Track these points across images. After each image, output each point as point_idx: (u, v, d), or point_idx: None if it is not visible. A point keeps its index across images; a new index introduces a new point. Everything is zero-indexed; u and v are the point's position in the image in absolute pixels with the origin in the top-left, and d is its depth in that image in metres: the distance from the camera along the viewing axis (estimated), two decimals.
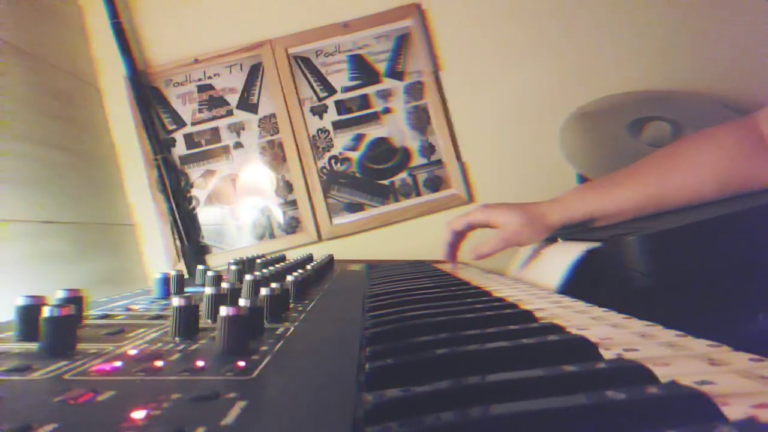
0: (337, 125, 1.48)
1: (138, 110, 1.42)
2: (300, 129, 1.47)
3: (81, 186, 1.25)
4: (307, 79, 1.49)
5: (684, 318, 0.43)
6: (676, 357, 0.32)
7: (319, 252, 1.17)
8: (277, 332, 0.44)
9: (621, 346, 0.35)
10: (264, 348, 0.38)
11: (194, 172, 1.46)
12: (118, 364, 0.34)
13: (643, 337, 0.37)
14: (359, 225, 1.46)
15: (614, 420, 0.24)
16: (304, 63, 1.48)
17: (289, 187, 1.47)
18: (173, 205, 1.40)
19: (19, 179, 1.02)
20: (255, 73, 1.48)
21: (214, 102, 1.48)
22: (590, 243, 0.74)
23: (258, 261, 0.93)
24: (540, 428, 0.24)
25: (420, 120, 1.48)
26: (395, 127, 1.48)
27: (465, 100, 1.49)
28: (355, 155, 1.48)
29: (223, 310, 0.36)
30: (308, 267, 0.79)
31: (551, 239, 0.89)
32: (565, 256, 0.77)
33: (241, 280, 0.67)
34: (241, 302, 0.41)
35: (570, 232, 0.89)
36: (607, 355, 0.34)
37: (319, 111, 1.48)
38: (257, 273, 0.64)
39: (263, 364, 0.34)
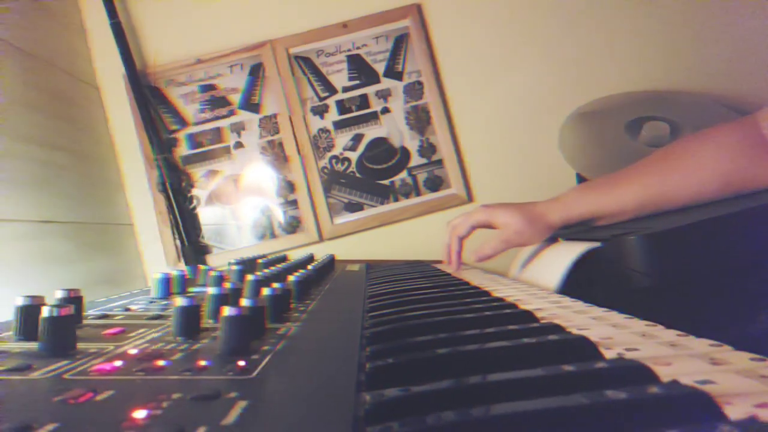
0: (338, 125, 1.48)
1: (138, 110, 1.42)
2: (301, 129, 1.47)
3: (80, 186, 1.25)
4: (308, 79, 1.49)
5: (684, 318, 0.43)
6: (677, 356, 0.32)
7: (320, 252, 1.17)
8: (279, 332, 0.44)
9: (622, 346, 0.35)
10: (265, 348, 0.38)
11: (196, 172, 1.46)
12: (118, 363, 0.34)
13: (643, 337, 0.37)
14: (359, 225, 1.46)
15: (615, 420, 0.24)
16: (306, 63, 1.48)
17: (290, 186, 1.47)
18: (174, 205, 1.40)
19: (18, 179, 1.02)
20: (256, 73, 1.48)
21: (215, 102, 1.48)
22: (590, 243, 0.74)
23: (259, 261, 0.93)
24: (541, 428, 0.24)
25: (419, 120, 1.48)
26: (394, 127, 1.48)
27: (464, 100, 1.49)
28: (354, 155, 1.48)
29: (225, 310, 0.36)
30: (309, 267, 0.79)
31: (552, 239, 0.89)
32: (564, 256, 0.77)
33: (242, 280, 0.67)
34: (243, 302, 0.41)
35: (570, 232, 0.89)
36: (608, 354, 0.34)
37: (320, 111, 1.48)
38: (259, 273, 0.64)
39: (264, 363, 0.34)
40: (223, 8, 1.49)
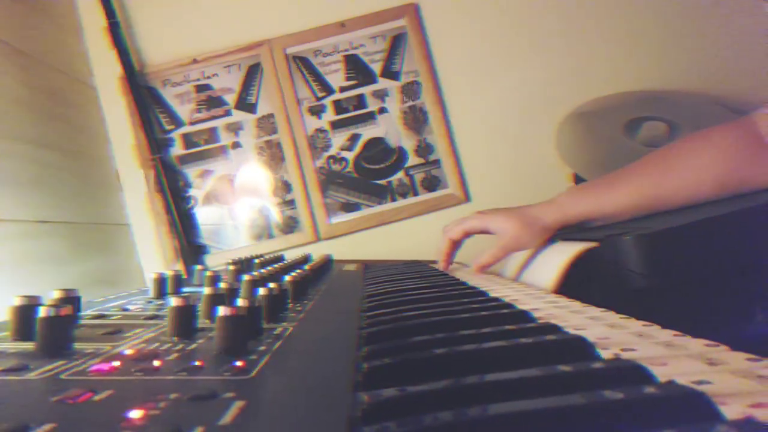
0: (335, 125, 1.48)
1: (134, 110, 1.42)
2: (298, 129, 1.47)
3: (76, 186, 1.25)
4: (305, 79, 1.48)
5: (680, 318, 0.43)
6: (673, 357, 0.32)
7: (317, 252, 1.17)
8: (275, 332, 0.44)
9: (618, 346, 0.35)
10: (262, 348, 0.38)
11: (192, 172, 1.46)
12: (115, 363, 0.34)
13: (640, 337, 0.37)
14: (356, 224, 1.46)
15: (612, 420, 0.24)
16: (302, 63, 1.48)
17: (286, 186, 1.47)
18: (170, 205, 1.40)
19: (13, 179, 1.01)
20: (253, 73, 1.48)
21: (212, 102, 1.48)
22: (586, 243, 0.75)
23: (256, 261, 0.93)
24: (537, 428, 0.24)
25: (416, 120, 1.48)
26: (391, 127, 1.48)
27: (461, 99, 1.49)
28: (350, 155, 1.48)
29: (221, 310, 0.36)
30: (306, 267, 0.79)
31: (549, 240, 0.89)
32: (560, 256, 0.77)
33: (239, 280, 0.67)
34: (239, 302, 0.41)
35: (566, 232, 0.89)
36: (605, 354, 0.34)
37: (317, 111, 1.48)
38: (255, 273, 0.64)
39: (261, 364, 0.34)
40: (219, 8, 1.49)
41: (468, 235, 0.95)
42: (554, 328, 0.41)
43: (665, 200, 0.82)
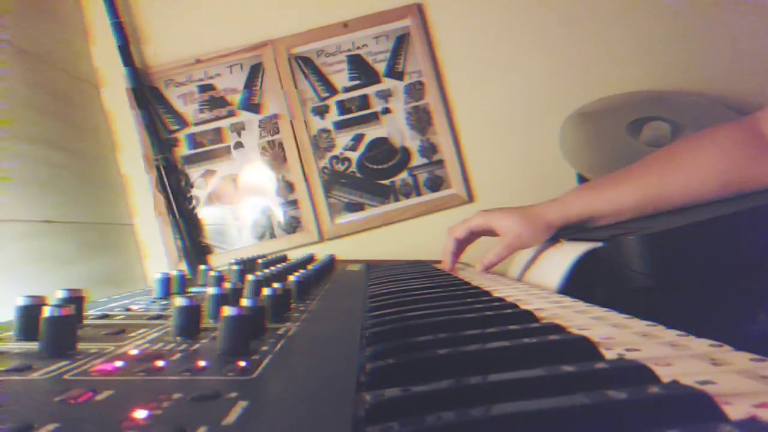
0: (339, 125, 1.48)
1: (138, 110, 1.42)
2: (301, 129, 1.47)
3: (81, 186, 1.25)
4: (309, 79, 1.49)
5: (684, 318, 0.43)
6: (677, 357, 0.32)
7: (320, 252, 1.17)
8: (279, 332, 0.44)
9: (622, 346, 0.35)
10: (265, 348, 0.38)
11: (196, 173, 1.46)
12: (118, 363, 0.34)
13: (644, 337, 0.37)
14: (360, 225, 1.46)
15: (616, 420, 0.24)
16: (306, 63, 1.48)
17: (290, 187, 1.47)
18: (174, 205, 1.40)
19: (18, 179, 1.02)
20: (256, 73, 1.48)
21: (215, 102, 1.48)
22: (590, 243, 0.74)
23: (259, 261, 0.93)
24: (541, 428, 0.24)
25: (420, 120, 1.48)
26: (394, 127, 1.48)
27: (465, 100, 1.49)
28: (354, 155, 1.48)
29: (225, 310, 0.36)
30: (309, 267, 0.79)
31: (553, 239, 0.89)
32: (565, 256, 0.77)
33: (242, 280, 0.67)
34: (243, 302, 0.41)
35: (570, 232, 0.89)
36: (609, 355, 0.34)
37: (321, 111, 1.48)
38: (259, 273, 0.64)
39: (264, 364, 0.34)
40: (223, 8, 1.49)
41: (472, 233, 0.95)
42: (558, 328, 0.41)
43: (669, 199, 0.82)
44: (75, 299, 0.48)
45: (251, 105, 1.48)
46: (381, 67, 1.49)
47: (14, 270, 0.95)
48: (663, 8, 1.51)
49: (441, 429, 0.24)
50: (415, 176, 1.47)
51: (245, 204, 1.47)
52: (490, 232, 0.94)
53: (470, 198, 1.46)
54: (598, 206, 0.86)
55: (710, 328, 0.39)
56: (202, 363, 0.34)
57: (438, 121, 1.48)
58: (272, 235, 1.46)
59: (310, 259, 1.06)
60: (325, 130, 1.48)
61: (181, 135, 1.47)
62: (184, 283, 0.73)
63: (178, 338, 0.42)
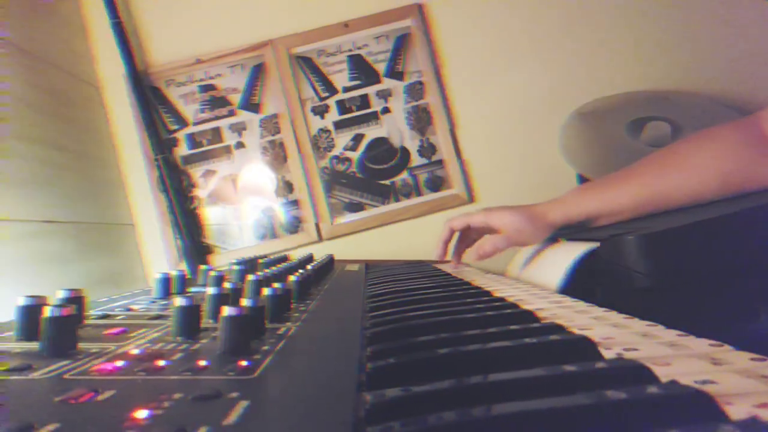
0: (339, 125, 1.48)
1: (138, 110, 1.42)
2: (301, 129, 1.47)
3: (81, 186, 1.25)
4: (309, 79, 1.49)
5: (684, 318, 0.43)
6: (677, 356, 0.32)
7: (320, 252, 1.17)
8: (279, 332, 0.44)
9: (622, 346, 0.35)
10: (266, 348, 0.38)
11: (196, 172, 1.46)
12: (119, 363, 0.34)
13: (644, 337, 0.37)
14: (360, 224, 1.46)
15: (615, 420, 0.24)
16: (306, 63, 1.48)
17: (290, 187, 1.47)
18: (175, 205, 1.40)
19: (18, 179, 1.02)
20: (257, 73, 1.48)
21: (216, 102, 1.48)
22: (590, 243, 0.74)
23: (260, 261, 0.93)
24: (541, 428, 0.24)
25: (420, 120, 1.48)
26: (394, 127, 1.48)
27: (465, 100, 1.49)
28: (354, 155, 1.48)
29: (226, 310, 0.36)
30: (309, 267, 0.79)
31: (552, 239, 0.89)
32: (565, 256, 0.77)
33: (243, 280, 0.67)
34: (243, 302, 0.41)
35: (570, 232, 0.89)
36: (608, 354, 0.34)
37: (321, 111, 1.48)
38: (259, 273, 0.64)
39: (265, 363, 0.34)
40: (223, 8, 1.49)
41: (471, 228, 0.95)
42: (558, 328, 0.41)
43: (669, 199, 0.82)
44: (75, 299, 0.48)
45: (252, 105, 1.48)
46: (381, 68, 1.49)
47: (14, 270, 0.95)
48: (663, 8, 1.51)
49: (442, 429, 0.24)
50: (415, 176, 1.47)
51: (246, 204, 1.47)
52: (491, 230, 0.94)
53: (470, 198, 1.46)
54: (598, 206, 0.86)
55: (710, 327, 0.39)
56: (202, 363, 0.34)
57: (438, 121, 1.48)
58: (273, 235, 1.46)
59: (310, 259, 1.06)
60: (325, 130, 1.48)
61: (182, 135, 1.47)
62: (184, 283, 0.73)
63: (178, 338, 0.42)
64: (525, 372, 0.29)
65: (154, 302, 0.64)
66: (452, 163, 1.47)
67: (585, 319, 0.45)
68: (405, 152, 1.48)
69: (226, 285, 0.54)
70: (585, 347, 0.35)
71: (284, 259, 1.06)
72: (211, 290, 0.50)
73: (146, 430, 0.24)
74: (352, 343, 0.39)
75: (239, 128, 1.47)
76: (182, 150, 1.46)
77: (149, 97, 1.45)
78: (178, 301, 0.42)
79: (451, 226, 0.96)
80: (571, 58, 1.50)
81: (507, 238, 0.89)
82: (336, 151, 1.48)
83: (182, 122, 1.47)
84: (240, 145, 1.47)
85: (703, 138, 0.83)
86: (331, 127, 1.48)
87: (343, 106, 1.49)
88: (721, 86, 1.49)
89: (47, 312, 0.37)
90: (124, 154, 1.46)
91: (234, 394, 0.28)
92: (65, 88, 1.29)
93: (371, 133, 1.48)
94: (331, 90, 1.49)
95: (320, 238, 1.45)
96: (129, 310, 0.58)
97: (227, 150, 1.47)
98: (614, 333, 0.39)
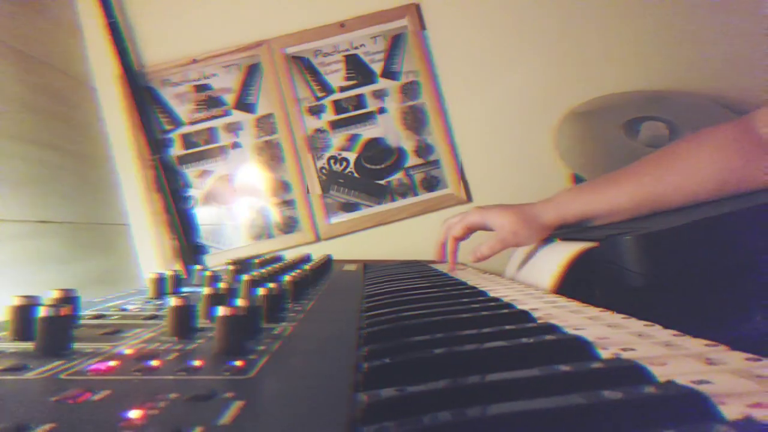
0: (334, 125, 1.48)
1: (133, 110, 1.42)
2: (297, 129, 1.47)
3: (75, 186, 1.25)
4: (305, 79, 1.48)
5: (680, 318, 0.43)
6: (673, 356, 0.32)
7: (317, 252, 1.17)
8: (275, 332, 0.44)
9: (618, 346, 0.35)
10: (261, 348, 0.38)
11: (191, 172, 1.46)
12: (114, 363, 0.34)
13: (639, 337, 0.37)
14: (356, 224, 1.46)
15: (611, 420, 0.24)
16: (302, 63, 1.48)
17: (286, 186, 1.47)
18: (170, 205, 1.40)
19: (12, 179, 1.01)
20: (252, 72, 1.48)
21: (211, 102, 1.48)
22: (586, 243, 0.75)
23: (255, 261, 0.93)
24: (537, 428, 0.24)
25: (416, 120, 1.48)
26: (390, 127, 1.48)
27: (461, 99, 1.49)
28: (350, 155, 1.48)
29: (220, 310, 0.36)
30: (305, 267, 0.79)
31: (548, 239, 0.90)
32: (560, 256, 0.77)
33: (238, 279, 0.67)
34: (238, 302, 0.40)
35: (566, 232, 0.89)
36: (604, 354, 0.34)
37: (317, 111, 1.48)
38: (254, 273, 0.64)
39: (260, 364, 0.34)
40: (218, 8, 1.49)
41: (470, 230, 0.95)
42: (554, 328, 0.41)
43: (665, 200, 0.82)
44: (70, 299, 0.48)
45: (247, 105, 1.48)
46: (378, 67, 1.49)
47: (8, 270, 0.95)
48: (659, 7, 1.51)
49: (437, 429, 0.24)
50: (411, 176, 1.47)
51: (241, 204, 1.47)
52: (486, 229, 0.94)
53: (466, 198, 1.46)
54: (594, 206, 0.86)
55: (705, 327, 0.39)
56: (197, 363, 0.34)
57: (433, 121, 1.48)
58: (268, 235, 1.46)
59: (306, 259, 1.06)
60: (321, 130, 1.48)
61: (177, 135, 1.47)
62: (179, 283, 0.73)
63: (173, 338, 0.42)
64: (520, 372, 0.30)
65: (148, 302, 0.64)
66: (448, 163, 1.47)
67: (580, 319, 0.45)
68: (401, 152, 1.48)
69: (221, 285, 0.54)
70: (580, 347, 0.35)
71: (279, 259, 1.06)
72: (205, 290, 0.50)
73: (141, 430, 0.23)
74: (348, 343, 0.39)
75: (234, 128, 1.47)
76: (177, 150, 1.46)
77: (144, 96, 1.45)
78: (173, 301, 0.42)
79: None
80: (567, 58, 1.50)
81: (502, 240, 0.90)
82: (332, 151, 1.48)
83: (177, 122, 1.47)
84: (235, 145, 1.47)
85: (698, 139, 0.83)
86: (327, 127, 1.48)
87: (339, 106, 1.49)
88: (717, 86, 1.50)
89: (42, 312, 0.37)
90: (118, 154, 1.45)
91: (229, 394, 0.28)
92: (60, 87, 1.29)
93: (367, 133, 1.48)
94: (328, 90, 1.49)
95: (317, 239, 1.45)
96: (124, 310, 0.58)
97: (222, 150, 1.47)
98: (609, 333, 0.39)
